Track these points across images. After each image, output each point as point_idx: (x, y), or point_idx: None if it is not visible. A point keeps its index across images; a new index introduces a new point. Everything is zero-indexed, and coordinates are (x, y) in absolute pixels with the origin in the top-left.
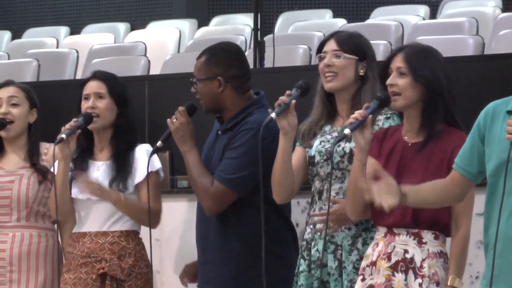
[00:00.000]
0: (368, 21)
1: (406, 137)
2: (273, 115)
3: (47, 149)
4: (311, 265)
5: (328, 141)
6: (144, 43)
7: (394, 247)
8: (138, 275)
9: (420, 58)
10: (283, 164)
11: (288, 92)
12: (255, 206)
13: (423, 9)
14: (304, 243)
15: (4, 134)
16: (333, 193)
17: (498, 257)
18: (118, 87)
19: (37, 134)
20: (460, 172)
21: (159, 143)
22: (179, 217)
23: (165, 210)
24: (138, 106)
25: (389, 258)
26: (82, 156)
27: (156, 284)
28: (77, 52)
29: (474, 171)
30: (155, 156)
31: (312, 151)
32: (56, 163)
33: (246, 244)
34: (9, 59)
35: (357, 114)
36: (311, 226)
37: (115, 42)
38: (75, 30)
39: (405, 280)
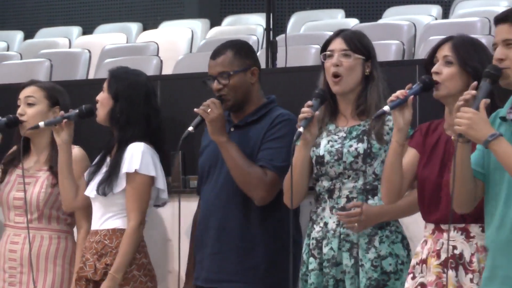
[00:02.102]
0: (380, 21)
1: (448, 131)
2: (301, 129)
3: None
4: (324, 263)
5: (336, 140)
6: (156, 43)
7: (443, 244)
8: None
9: (469, 48)
10: (301, 172)
11: (309, 102)
12: (277, 199)
13: (436, 9)
14: (314, 241)
15: (22, 132)
16: (346, 192)
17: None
18: (117, 81)
19: None
20: None
21: (190, 128)
22: (191, 217)
23: (177, 210)
24: None
25: (438, 256)
26: (104, 153)
27: (168, 284)
28: (90, 52)
29: None
30: (136, 156)
31: (321, 151)
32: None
33: (266, 236)
34: (21, 59)
35: (399, 93)
36: (321, 225)
37: (127, 42)
38: (87, 30)
39: (456, 276)
